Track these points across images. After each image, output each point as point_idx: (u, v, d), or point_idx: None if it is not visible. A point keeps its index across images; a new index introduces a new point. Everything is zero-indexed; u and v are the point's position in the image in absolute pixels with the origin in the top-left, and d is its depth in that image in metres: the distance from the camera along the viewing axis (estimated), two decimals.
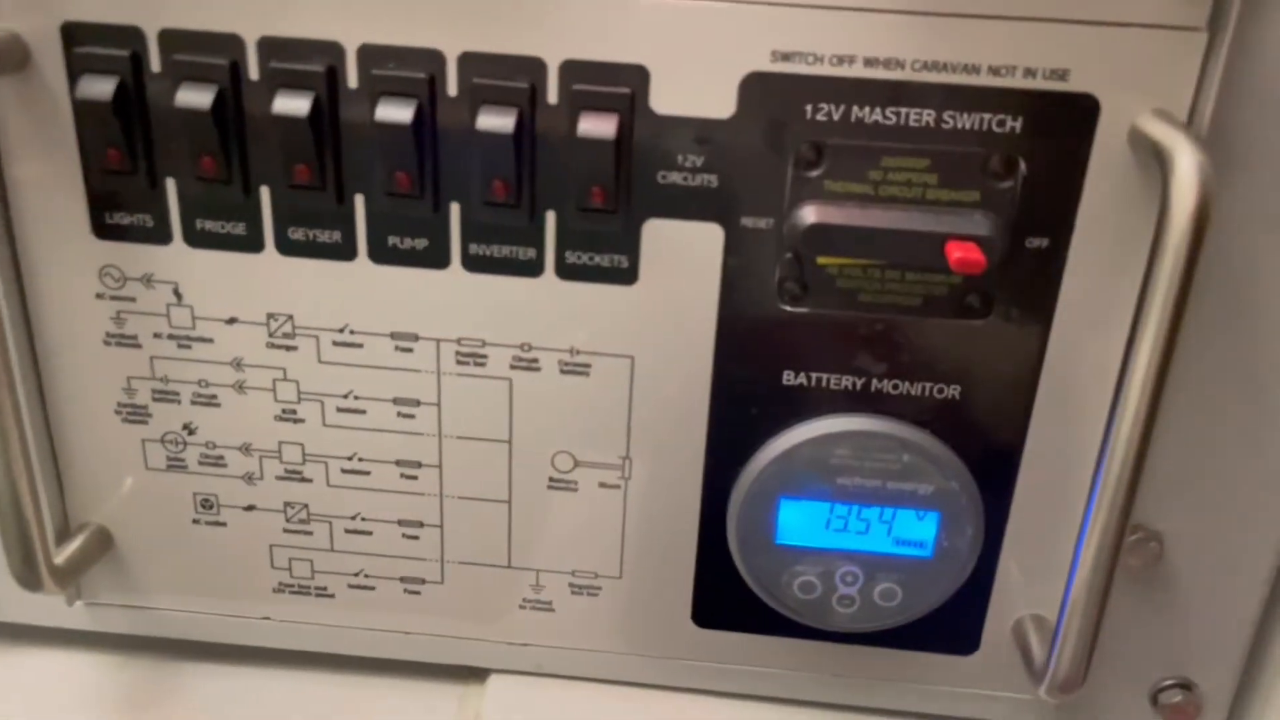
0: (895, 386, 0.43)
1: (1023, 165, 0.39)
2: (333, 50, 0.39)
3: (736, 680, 0.50)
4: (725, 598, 0.48)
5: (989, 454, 0.44)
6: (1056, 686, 0.43)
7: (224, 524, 0.49)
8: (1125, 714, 0.49)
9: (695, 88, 0.39)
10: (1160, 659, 0.48)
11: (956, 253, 0.38)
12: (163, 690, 0.51)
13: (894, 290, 0.41)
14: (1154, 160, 0.37)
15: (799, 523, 0.45)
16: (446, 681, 0.52)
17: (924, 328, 0.42)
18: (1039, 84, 0.38)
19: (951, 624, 0.48)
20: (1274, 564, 0.45)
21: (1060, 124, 0.38)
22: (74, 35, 0.40)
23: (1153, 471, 0.44)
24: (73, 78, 0.40)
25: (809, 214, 0.40)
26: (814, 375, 0.43)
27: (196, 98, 0.40)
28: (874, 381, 0.43)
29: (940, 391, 0.43)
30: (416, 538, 0.48)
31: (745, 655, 0.49)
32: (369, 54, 0.39)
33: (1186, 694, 0.47)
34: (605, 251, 0.42)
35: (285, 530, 0.49)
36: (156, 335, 0.45)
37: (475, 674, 0.52)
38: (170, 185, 0.42)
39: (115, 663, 0.52)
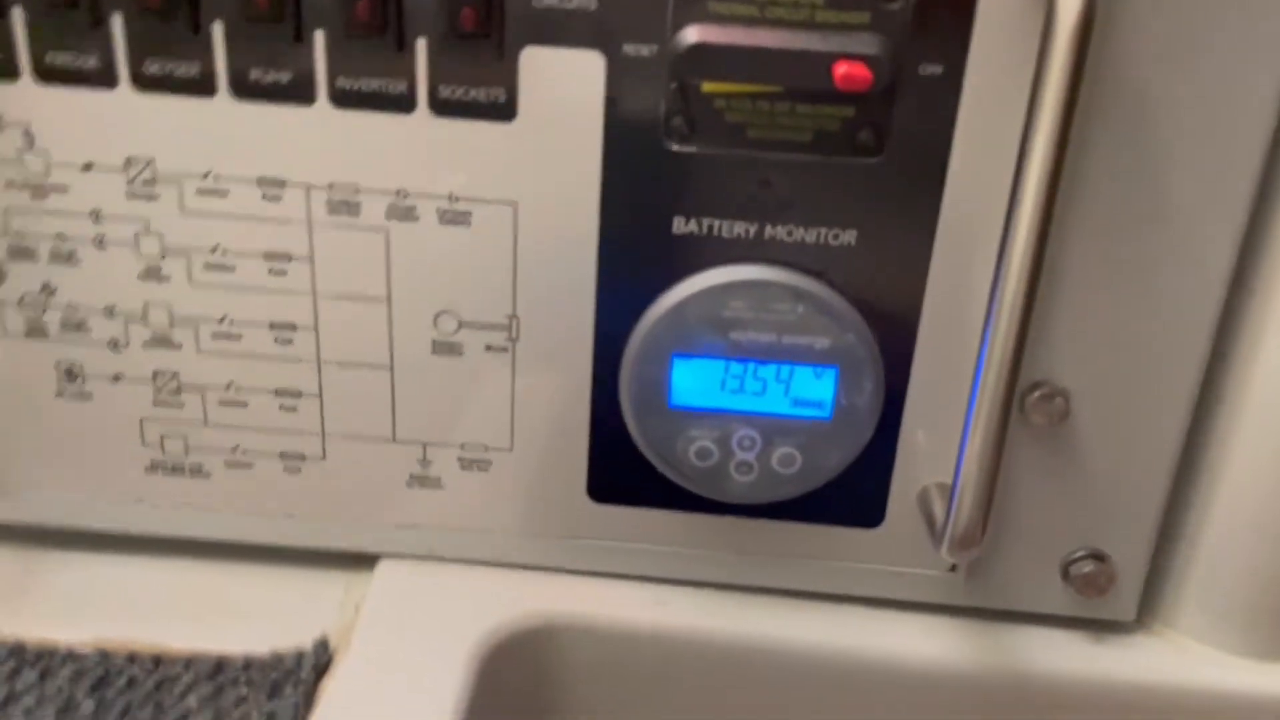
0: (789, 233, 0.41)
1: None
2: None
3: (635, 560, 0.48)
4: (621, 469, 0.46)
5: (887, 305, 0.42)
6: (955, 543, 0.41)
7: (90, 396, 0.46)
8: (1036, 587, 0.47)
9: None
10: (1071, 529, 0.46)
11: (842, 68, 0.37)
12: (24, 583, 0.48)
13: (784, 125, 0.39)
14: None
15: (693, 383, 0.43)
16: (332, 569, 0.49)
17: (817, 167, 0.40)
18: None
19: (855, 494, 0.46)
20: (1183, 427, 0.44)
21: None
22: None
23: (1055, 325, 0.42)
24: None
25: (691, 34, 0.38)
26: (705, 222, 0.41)
27: None
28: (767, 228, 0.41)
29: (836, 238, 0.41)
30: (294, 409, 0.46)
31: (644, 532, 0.47)
32: None
33: (1098, 565, 0.46)
34: (481, 84, 0.40)
35: (155, 403, 0.46)
36: (9, 184, 0.42)
37: (364, 561, 0.49)
38: (17, 14, 0.39)
39: None
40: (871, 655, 0.47)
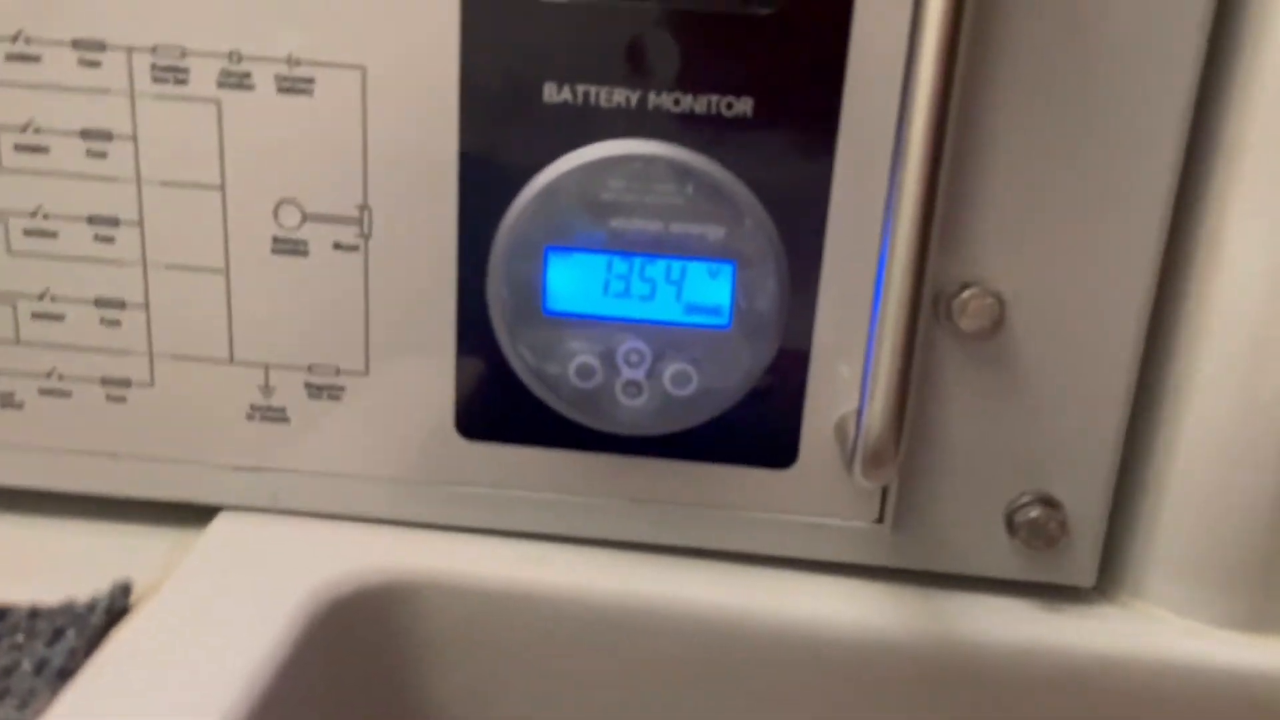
0: (676, 102, 0.36)
1: None
2: None
3: (512, 511, 0.41)
4: (493, 396, 0.40)
5: (790, 189, 0.37)
6: (866, 459, 0.34)
7: None
8: (979, 543, 0.40)
9: None
10: (1014, 469, 0.39)
11: None
12: None
13: None
14: None
15: (571, 284, 0.37)
16: (164, 525, 0.42)
17: (704, 22, 0.35)
18: None
19: (763, 426, 0.39)
20: (1137, 343, 0.38)
21: None
22: None
23: (982, 217, 0.37)
24: None
25: None
26: (579, 89, 0.36)
27: None
28: (650, 96, 0.36)
29: (729, 107, 0.36)
30: (118, 323, 0.40)
31: (522, 476, 0.41)
32: None
33: (1047, 510, 0.39)
34: None
35: None
36: None
37: (202, 516, 0.42)
38: None
39: None
40: (787, 622, 0.40)
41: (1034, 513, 0.39)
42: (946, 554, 0.41)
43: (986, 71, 0.35)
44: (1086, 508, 0.40)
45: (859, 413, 0.35)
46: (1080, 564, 0.40)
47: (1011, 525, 0.40)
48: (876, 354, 0.34)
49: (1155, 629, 0.40)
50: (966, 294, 0.37)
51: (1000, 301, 0.37)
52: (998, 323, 0.37)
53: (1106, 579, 0.42)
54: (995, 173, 0.36)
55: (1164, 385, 0.39)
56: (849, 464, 0.36)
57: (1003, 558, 0.41)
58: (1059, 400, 0.39)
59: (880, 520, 0.40)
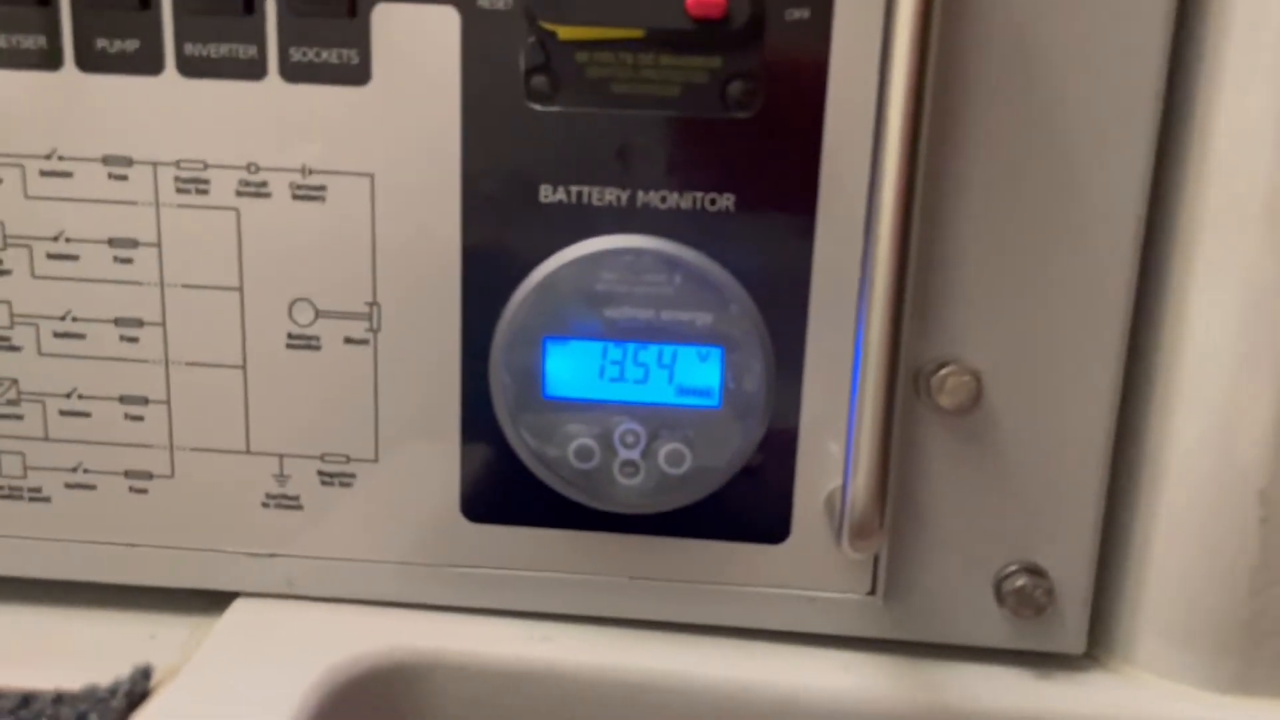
0: (663, 199, 0.39)
1: None
2: None
3: (517, 591, 0.43)
4: (497, 480, 0.41)
5: (773, 277, 0.39)
6: (852, 531, 0.36)
7: None
8: (969, 613, 0.41)
9: None
10: (1000, 539, 0.41)
11: None
12: None
13: (650, 79, 0.38)
14: None
15: (569, 370, 0.40)
16: (182, 613, 0.44)
17: (688, 126, 0.38)
18: None
19: (755, 503, 0.41)
20: (1110, 413, 0.40)
21: None
22: None
23: (955, 296, 0.39)
24: None
25: None
26: (573, 189, 0.39)
27: None
28: (639, 194, 0.39)
29: (713, 203, 0.39)
30: (141, 418, 0.42)
31: (525, 556, 0.42)
32: None
33: (1034, 579, 0.41)
34: (333, 46, 0.38)
35: None
36: None
37: (218, 602, 0.44)
38: None
39: None
40: (785, 693, 0.41)
41: (1021, 581, 0.41)
42: (938, 624, 0.42)
43: (951, 160, 0.38)
44: (1072, 576, 0.41)
45: (844, 487, 0.37)
46: (1069, 631, 0.42)
47: (1000, 594, 0.41)
48: (857, 430, 0.36)
49: (1145, 694, 0.41)
50: (944, 371, 0.39)
51: (977, 378, 0.39)
52: (976, 398, 0.39)
53: (1097, 645, 0.43)
54: (966, 256, 0.39)
55: (1142, 455, 0.41)
56: (837, 536, 0.37)
57: (993, 627, 0.42)
58: (1040, 471, 0.40)
59: (872, 592, 0.42)
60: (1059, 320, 0.39)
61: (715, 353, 0.39)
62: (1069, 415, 0.40)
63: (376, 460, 0.42)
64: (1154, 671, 0.41)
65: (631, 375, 0.40)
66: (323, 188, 0.39)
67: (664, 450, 0.40)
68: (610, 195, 0.39)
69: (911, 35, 0.33)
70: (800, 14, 0.37)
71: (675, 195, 0.39)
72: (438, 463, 0.42)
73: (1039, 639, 0.42)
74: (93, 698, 0.37)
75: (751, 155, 0.38)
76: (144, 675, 0.38)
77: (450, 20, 0.37)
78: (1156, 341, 0.40)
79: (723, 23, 0.36)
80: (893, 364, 0.35)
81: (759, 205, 0.38)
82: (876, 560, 0.41)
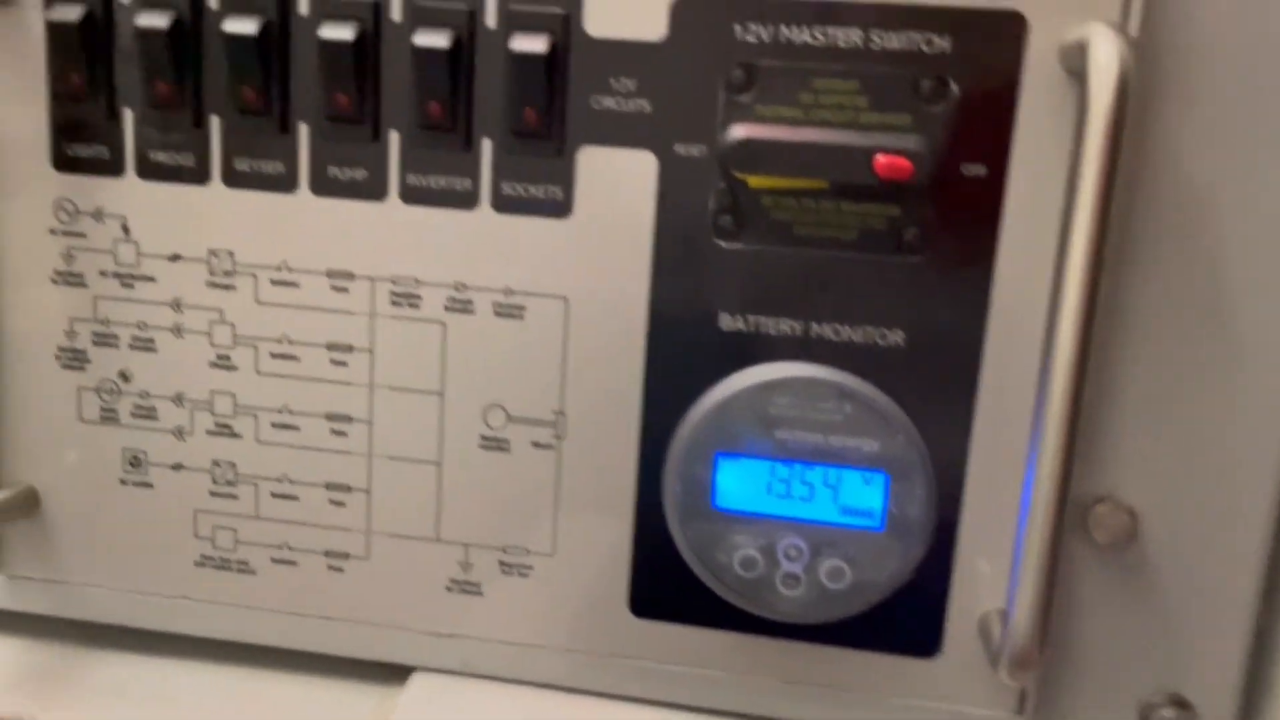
0: (836, 331, 0.41)
1: (953, 87, 0.39)
2: None
3: (678, 686, 0.45)
4: (664, 581, 0.44)
5: (938, 409, 0.41)
6: (1012, 661, 0.38)
7: (151, 485, 0.47)
8: None
9: (628, 10, 0.40)
10: (1147, 668, 0.42)
11: (883, 159, 0.38)
12: (64, 677, 0.48)
13: (830, 223, 0.40)
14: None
15: (738, 484, 0.42)
16: (367, 682, 0.48)
17: (862, 265, 0.41)
18: (965, 1, 0.38)
19: (910, 618, 0.43)
20: (1265, 553, 0.41)
21: (989, 43, 0.38)
22: None
23: (1117, 435, 0.41)
24: (48, 6, 0.43)
25: (739, 130, 0.39)
26: (751, 318, 0.42)
27: (155, 20, 0.42)
28: (814, 326, 0.41)
29: (883, 337, 0.41)
30: (343, 504, 0.46)
31: (687, 653, 0.45)
32: None
33: (1180, 713, 0.42)
34: (540, 182, 0.42)
35: (211, 493, 0.47)
36: (102, 273, 0.45)
37: (400, 675, 0.48)
38: (127, 116, 0.44)
39: (23, 646, 0.50)
40: None
41: (1166, 713, 0.42)
42: None
43: (1122, 301, 0.40)
44: (1218, 709, 0.42)
45: (1005, 616, 0.39)
46: None
47: None
48: (1023, 562, 0.38)
49: None
50: (1101, 508, 0.41)
51: (1133, 515, 0.41)
52: (1131, 535, 0.41)
53: None
54: (1126, 395, 0.40)
55: None
56: (994, 662, 0.39)
57: None
58: (1190, 605, 0.42)
59: (1020, 712, 0.43)
60: (1215, 459, 0.40)
61: (880, 478, 0.41)
62: (1222, 551, 0.41)
63: (553, 554, 0.45)
64: None
65: (798, 493, 0.42)
66: (522, 307, 0.43)
67: (825, 566, 0.42)
68: (786, 326, 0.42)
69: (1095, 200, 0.35)
70: (977, 170, 0.39)
71: (848, 329, 0.41)
72: (609, 560, 0.45)
73: None
74: None
75: (923, 295, 0.41)
76: None
77: (648, 164, 0.41)
78: None
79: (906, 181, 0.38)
80: (1061, 502, 0.37)
81: (928, 342, 0.41)
82: None
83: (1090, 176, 0.35)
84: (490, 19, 0.41)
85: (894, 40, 0.39)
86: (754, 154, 0.39)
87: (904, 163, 0.37)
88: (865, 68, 0.39)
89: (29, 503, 0.48)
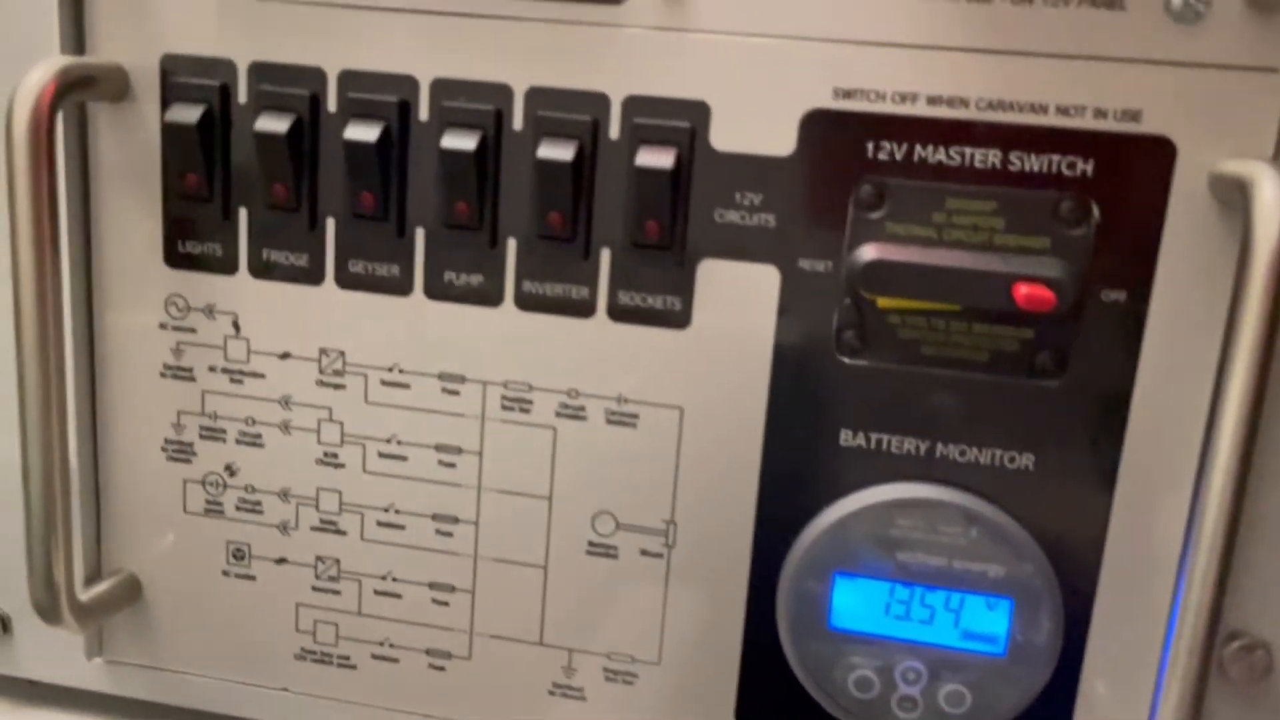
0: (962, 453, 0.40)
1: (1096, 211, 0.37)
2: (408, 84, 0.41)
3: None
4: (773, 694, 0.43)
5: (1067, 536, 0.40)
6: None
7: (253, 578, 0.47)
8: None
9: (755, 125, 0.39)
10: None
11: (1024, 289, 0.36)
12: None
13: (960, 343, 0.39)
14: (1237, 205, 0.35)
15: (856, 604, 0.41)
16: None
17: (992, 387, 0.39)
18: (1110, 125, 0.37)
19: None
20: None
21: (1135, 168, 0.37)
22: (172, 67, 0.43)
23: (1254, 569, 0.39)
24: (165, 106, 0.43)
25: (869, 251, 0.38)
26: (874, 436, 0.41)
27: (274, 124, 0.41)
28: (939, 446, 0.40)
29: (1012, 461, 0.40)
30: (446, 604, 0.46)
31: None
32: (441, 87, 0.41)
33: None
34: (659, 292, 0.41)
35: (314, 588, 0.47)
36: (211, 369, 0.45)
37: None
38: (242, 215, 0.44)
39: None
40: None
41: None
42: None
43: (1268, 428, 0.38)
44: None
45: None
46: None
47: None
48: (1165, 697, 0.36)
49: None
50: (1235, 645, 0.39)
51: (1269, 652, 0.39)
52: (1265, 671, 0.39)
53: None
54: (1264, 530, 0.39)
55: None
56: None
57: None
58: None
59: None
60: None
61: (1005, 604, 0.40)
62: None
63: (659, 663, 0.44)
64: None
65: (917, 615, 0.41)
66: (635, 415, 0.42)
67: (944, 690, 0.41)
68: (909, 445, 0.41)
69: (1258, 339, 0.33)
70: (1117, 296, 0.38)
71: (974, 450, 0.40)
72: (717, 672, 0.44)
73: None
74: None
75: (1055, 419, 0.39)
76: None
77: (771, 277, 0.40)
78: None
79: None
80: (1209, 643, 0.36)
81: (1059, 466, 0.40)
82: None
83: (1253, 316, 0.33)
84: (614, 130, 0.40)
85: (1034, 162, 0.37)
86: (884, 276, 0.38)
87: (1047, 294, 0.36)
88: (1003, 188, 0.38)
89: (131, 590, 0.48)
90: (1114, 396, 0.39)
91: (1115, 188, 0.37)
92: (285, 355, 0.45)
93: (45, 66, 0.40)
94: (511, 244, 0.42)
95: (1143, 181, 0.37)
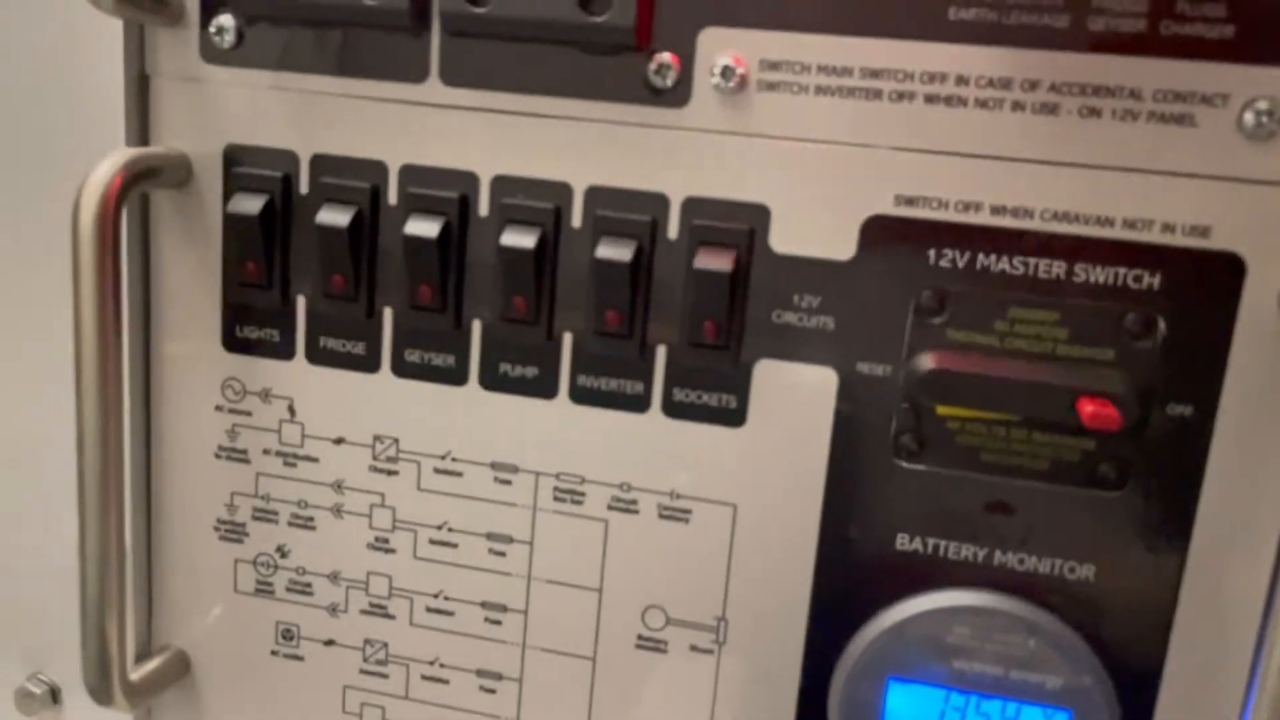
0: (1021, 561, 0.40)
1: (1162, 325, 0.37)
2: (468, 179, 0.41)
3: None
4: None
5: (1127, 649, 0.39)
6: None
7: (301, 658, 0.47)
8: None
9: (816, 228, 0.39)
10: None
11: (1089, 407, 0.36)
12: None
13: (1020, 451, 0.39)
14: None
15: (910, 710, 0.41)
16: None
17: (1053, 496, 0.39)
18: (1179, 240, 0.36)
19: None
20: None
21: (1203, 284, 0.36)
22: (235, 157, 0.43)
23: None
24: (227, 196, 0.43)
25: (929, 359, 0.38)
26: (930, 541, 0.40)
27: (336, 217, 0.42)
28: (997, 554, 0.40)
29: (1071, 571, 0.39)
30: (493, 691, 0.45)
31: None
32: (501, 184, 0.41)
33: None
34: (714, 390, 0.41)
35: (361, 671, 0.47)
36: (265, 451, 0.46)
37: None
38: (300, 302, 0.44)
39: None
40: None
41: None
42: None
43: None
44: None
45: None
46: None
47: None
48: None
49: None
50: None
51: None
52: None
53: None
54: None
55: None
56: None
57: None
58: None
59: None
60: None
61: (1063, 716, 0.40)
62: None
63: None
64: None
65: None
66: (688, 511, 0.42)
67: None
68: (967, 551, 0.40)
69: None
70: (1183, 410, 0.37)
71: (1033, 559, 0.40)
72: None
73: None
74: None
75: (1117, 530, 0.39)
76: None
77: (828, 379, 0.40)
78: None
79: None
80: None
81: (1120, 577, 0.39)
82: None
83: None
84: (672, 230, 0.40)
85: (1100, 274, 0.37)
86: (945, 385, 0.38)
87: (1113, 412, 0.36)
88: (1067, 300, 0.37)
89: (180, 667, 0.48)
90: (1177, 510, 0.38)
91: (1182, 303, 0.37)
92: (339, 440, 0.45)
93: (113, 159, 0.41)
94: (568, 338, 0.42)
95: (1211, 297, 0.36)
